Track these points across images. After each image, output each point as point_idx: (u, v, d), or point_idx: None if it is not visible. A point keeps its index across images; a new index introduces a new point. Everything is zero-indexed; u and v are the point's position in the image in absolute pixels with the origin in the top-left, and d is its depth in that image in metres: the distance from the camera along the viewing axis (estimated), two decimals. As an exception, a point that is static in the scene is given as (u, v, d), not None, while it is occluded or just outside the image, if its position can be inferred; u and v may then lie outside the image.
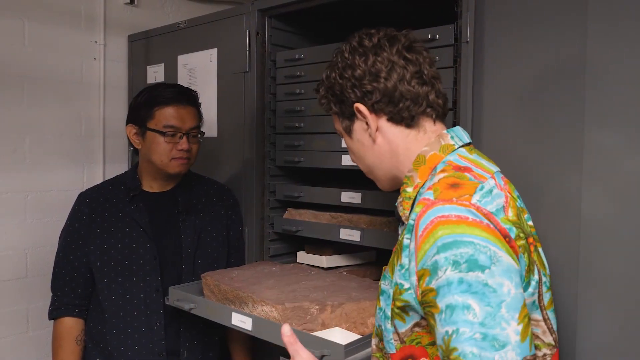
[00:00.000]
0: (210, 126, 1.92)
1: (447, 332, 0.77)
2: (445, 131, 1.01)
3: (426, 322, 0.85)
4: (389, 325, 0.91)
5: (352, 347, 1.15)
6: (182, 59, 2.08)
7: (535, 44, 1.18)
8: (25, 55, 2.07)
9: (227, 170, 1.93)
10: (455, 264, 0.77)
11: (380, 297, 0.95)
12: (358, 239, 1.60)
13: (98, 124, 2.29)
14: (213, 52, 1.96)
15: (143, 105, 1.63)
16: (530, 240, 0.91)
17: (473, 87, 1.27)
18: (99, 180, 2.16)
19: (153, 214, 1.67)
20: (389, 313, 0.91)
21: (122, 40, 2.34)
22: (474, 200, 0.84)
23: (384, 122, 1.00)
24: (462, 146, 0.99)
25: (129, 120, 1.67)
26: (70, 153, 2.21)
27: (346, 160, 1.62)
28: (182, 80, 2.05)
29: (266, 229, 1.87)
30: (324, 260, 1.74)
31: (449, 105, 1.18)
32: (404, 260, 0.86)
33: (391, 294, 0.90)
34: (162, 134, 1.60)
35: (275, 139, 1.84)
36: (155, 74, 2.21)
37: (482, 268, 0.76)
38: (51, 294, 1.71)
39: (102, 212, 1.66)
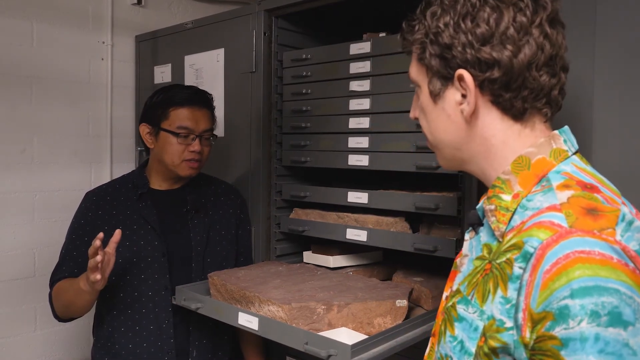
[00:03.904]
0: (217, 126, 1.92)
1: None
2: (557, 132, 0.80)
3: None
4: None
5: (358, 347, 1.15)
6: (189, 59, 2.09)
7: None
8: (34, 56, 2.08)
9: (234, 170, 1.94)
10: (594, 315, 0.62)
11: (457, 324, 0.79)
12: (364, 239, 1.60)
13: (105, 124, 2.30)
14: (220, 52, 1.96)
15: (159, 105, 1.63)
16: None
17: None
18: (106, 179, 2.17)
19: (161, 212, 1.67)
20: (471, 349, 0.75)
21: (129, 40, 2.36)
22: (618, 236, 0.67)
23: (486, 103, 0.79)
24: (574, 153, 0.80)
25: (143, 120, 1.67)
26: (78, 153, 2.22)
27: (353, 160, 1.62)
28: (189, 80, 2.06)
29: (273, 228, 1.87)
30: (330, 260, 1.74)
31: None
32: (511, 292, 0.70)
33: (480, 327, 0.74)
34: (176, 135, 1.60)
35: (282, 138, 1.85)
36: (163, 74, 2.22)
37: (625, 324, 0.62)
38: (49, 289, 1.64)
39: (109, 210, 1.66)
